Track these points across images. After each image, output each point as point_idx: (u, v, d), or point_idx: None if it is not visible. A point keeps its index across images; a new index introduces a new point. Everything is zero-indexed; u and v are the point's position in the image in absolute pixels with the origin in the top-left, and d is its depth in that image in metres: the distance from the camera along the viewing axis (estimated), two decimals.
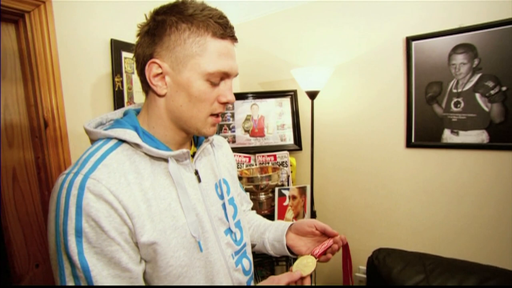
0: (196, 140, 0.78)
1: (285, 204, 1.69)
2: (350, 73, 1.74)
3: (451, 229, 1.51)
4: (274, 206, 1.67)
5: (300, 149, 1.91)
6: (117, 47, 1.41)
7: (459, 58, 1.41)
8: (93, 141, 0.64)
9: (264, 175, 1.68)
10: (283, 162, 1.84)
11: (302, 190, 1.78)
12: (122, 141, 0.61)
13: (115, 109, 1.41)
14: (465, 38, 1.39)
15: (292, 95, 1.94)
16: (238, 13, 2.04)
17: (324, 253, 0.76)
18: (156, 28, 0.61)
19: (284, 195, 1.69)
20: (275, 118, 1.94)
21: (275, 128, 1.94)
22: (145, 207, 0.57)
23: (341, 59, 1.76)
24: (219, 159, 0.81)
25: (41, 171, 1.24)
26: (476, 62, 1.38)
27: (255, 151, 1.87)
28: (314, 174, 1.79)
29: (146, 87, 0.65)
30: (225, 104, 0.66)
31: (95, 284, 0.51)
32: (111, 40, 1.39)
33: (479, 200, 1.43)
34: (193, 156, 0.73)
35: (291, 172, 1.85)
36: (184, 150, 0.65)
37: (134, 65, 0.68)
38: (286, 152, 1.85)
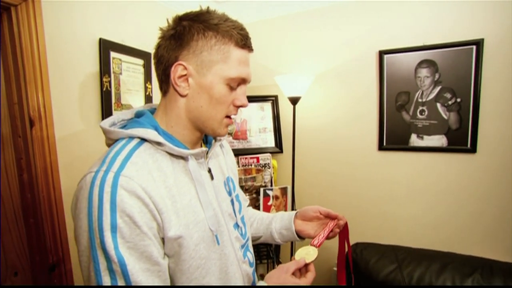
0: (205, 140, 0.82)
1: (269, 203, 1.76)
2: (329, 81, 1.88)
3: (419, 223, 1.70)
4: (258, 206, 1.74)
5: (281, 151, 2.00)
6: (105, 46, 1.38)
7: (424, 72, 1.61)
8: (111, 140, 0.66)
9: (248, 176, 1.74)
10: (266, 164, 1.92)
11: (284, 190, 1.87)
12: (143, 140, 0.63)
13: (102, 109, 1.38)
14: (428, 54, 1.59)
15: (273, 100, 2.03)
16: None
17: (325, 239, 0.85)
18: (183, 33, 0.64)
19: (268, 195, 1.76)
20: (257, 121, 2.02)
21: (257, 131, 2.02)
22: (170, 203, 0.60)
23: (321, 68, 1.89)
24: (226, 159, 0.87)
25: (23, 172, 1.17)
26: (437, 76, 1.58)
27: (238, 154, 1.92)
28: (295, 175, 1.89)
29: (166, 87, 0.68)
30: (238, 107, 0.70)
31: (131, 277, 0.53)
32: (100, 39, 1.36)
33: (441, 196, 1.64)
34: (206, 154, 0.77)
35: (273, 173, 1.94)
36: (203, 149, 0.69)
37: (154, 66, 0.70)
38: (268, 154, 1.92)
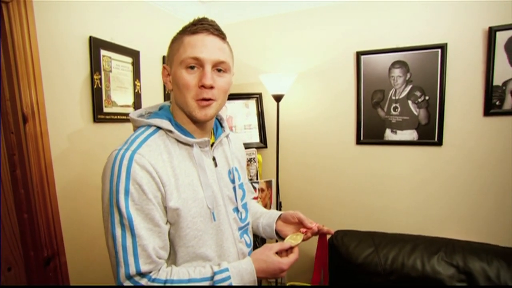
0: (215, 132, 0.91)
1: (255, 196, 1.85)
2: (310, 80, 1.99)
3: (393, 210, 1.86)
4: None
5: (266, 146, 2.09)
6: (96, 44, 1.40)
7: (396, 72, 1.75)
8: (135, 127, 0.81)
9: None
10: (252, 158, 2.01)
11: (269, 183, 1.97)
12: (159, 128, 0.77)
13: (93, 105, 1.41)
14: (401, 56, 1.74)
15: (257, 97, 2.11)
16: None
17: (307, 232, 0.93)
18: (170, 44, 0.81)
19: (254, 188, 1.85)
20: (242, 118, 2.10)
21: (243, 127, 2.09)
22: (174, 180, 0.72)
23: (303, 67, 2.00)
24: (233, 151, 0.95)
25: (16, 169, 1.18)
26: (408, 75, 1.73)
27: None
28: (279, 169, 1.99)
29: None
30: (204, 88, 0.73)
31: (136, 231, 0.66)
32: (90, 37, 1.38)
33: (412, 185, 1.80)
34: (211, 145, 0.86)
35: (258, 167, 2.03)
36: (206, 138, 0.80)
37: None
38: (254, 149, 2.01)
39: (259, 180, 1.93)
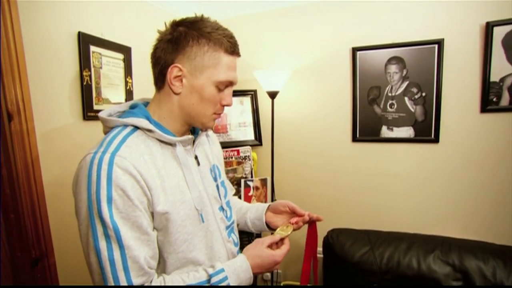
0: (193, 130, 0.89)
1: (250, 194, 1.83)
2: (305, 76, 1.96)
3: (389, 209, 1.84)
4: (239, 197, 1.80)
5: (261, 144, 2.07)
6: (85, 40, 1.37)
7: (393, 68, 1.73)
8: (108, 128, 0.74)
9: (229, 168, 1.80)
10: (246, 156, 1.98)
11: (264, 181, 1.94)
12: (136, 128, 0.72)
13: (83, 103, 1.38)
14: (397, 52, 1.71)
15: (252, 94, 2.08)
16: (199, 14, 2.10)
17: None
18: (179, 38, 0.72)
19: (249, 186, 1.83)
20: (237, 115, 2.07)
21: (237, 125, 2.07)
22: (160, 182, 0.68)
23: (298, 64, 1.97)
24: (212, 148, 0.94)
25: (2, 168, 1.15)
26: (405, 72, 1.71)
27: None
28: (274, 167, 1.97)
29: (161, 84, 0.76)
30: (224, 106, 0.79)
31: (124, 242, 0.61)
32: (79, 33, 1.35)
33: (408, 183, 1.78)
34: (192, 143, 0.84)
35: (253, 165, 2.00)
36: (190, 136, 0.78)
37: (151, 65, 0.78)
38: (248, 147, 1.98)
39: (253, 178, 1.91)
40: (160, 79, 0.75)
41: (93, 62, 1.42)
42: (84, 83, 1.38)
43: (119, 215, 0.61)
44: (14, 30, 1.12)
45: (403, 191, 1.79)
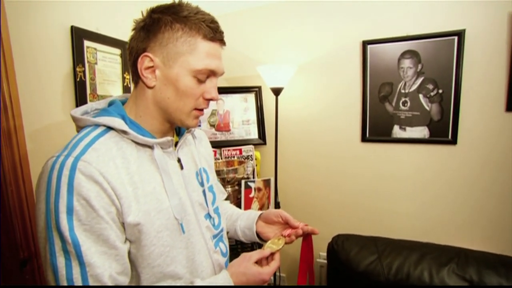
0: (178, 130, 0.81)
1: (251, 196, 1.74)
2: (311, 72, 1.85)
3: (399, 214, 1.71)
4: (240, 198, 1.72)
5: (265, 143, 1.98)
6: (78, 35, 1.32)
7: (407, 63, 1.59)
8: (80, 128, 0.67)
9: (230, 168, 1.72)
10: (249, 156, 1.90)
11: (267, 182, 1.85)
12: (109, 128, 0.64)
13: (76, 100, 1.34)
14: (411, 45, 1.57)
15: (256, 91, 2.00)
16: (204, 8, 2.03)
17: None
18: (152, 25, 0.65)
19: (250, 187, 1.75)
20: (240, 113, 1.99)
21: (240, 123, 1.99)
22: (131, 189, 0.61)
23: (304, 59, 1.86)
24: (199, 149, 0.86)
25: None
26: (419, 67, 1.57)
27: (221, 145, 1.89)
28: (278, 167, 1.88)
29: (136, 78, 0.69)
30: (209, 100, 0.70)
31: (84, 258, 0.54)
32: (72, 27, 1.30)
33: (422, 187, 1.64)
34: (175, 145, 0.76)
35: (256, 165, 1.92)
36: (169, 138, 0.69)
37: (128, 57, 0.70)
38: (251, 146, 1.90)
39: (255, 178, 1.83)
40: (134, 73, 0.68)
41: (87, 57, 1.38)
42: (78, 79, 1.33)
43: (82, 228, 0.54)
44: (1, 25, 1.09)
45: (415, 195, 1.66)
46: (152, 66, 0.65)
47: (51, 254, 0.54)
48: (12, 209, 1.14)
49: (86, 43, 1.37)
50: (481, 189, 1.51)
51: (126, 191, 0.59)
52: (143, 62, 0.65)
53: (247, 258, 0.71)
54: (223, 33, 0.69)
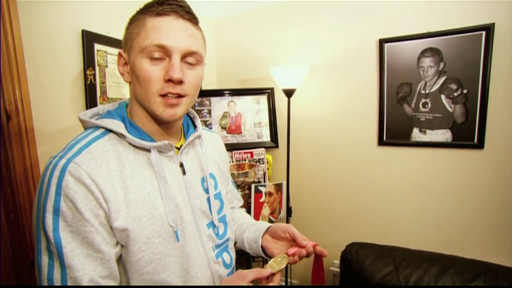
0: (186, 133, 0.78)
1: (261, 200, 1.70)
2: (325, 72, 1.78)
3: (419, 223, 1.60)
4: (250, 203, 1.68)
5: (277, 146, 1.93)
6: (89, 38, 1.34)
7: (427, 61, 1.49)
8: (85, 129, 0.68)
9: (240, 172, 1.68)
10: (260, 159, 1.86)
11: (278, 186, 1.80)
12: (109, 130, 0.64)
13: (86, 103, 1.35)
14: (432, 42, 1.47)
15: (269, 92, 1.95)
16: (215, 10, 2.02)
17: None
18: (127, 25, 0.67)
19: (260, 191, 1.70)
20: (252, 115, 1.95)
21: (252, 125, 1.95)
22: (123, 193, 0.59)
23: (317, 59, 1.80)
24: (208, 154, 0.81)
25: (2, 167, 1.15)
26: (441, 65, 1.46)
27: (232, 148, 1.86)
28: (290, 171, 1.82)
29: None
30: (171, 83, 0.61)
31: (65, 260, 0.54)
32: (83, 31, 1.32)
33: (443, 194, 1.53)
34: (180, 148, 0.73)
35: (268, 169, 1.87)
36: (166, 142, 0.66)
37: None
38: (262, 149, 1.86)
39: (266, 183, 1.78)
40: None
41: (98, 60, 1.39)
42: (88, 82, 1.35)
43: (68, 229, 0.55)
44: (13, 29, 1.11)
45: (437, 204, 1.54)
46: (125, 63, 0.66)
47: (37, 252, 0.56)
48: (23, 211, 1.17)
49: (97, 46, 1.39)
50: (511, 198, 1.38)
51: (116, 195, 0.58)
52: (119, 60, 0.67)
53: (242, 277, 0.66)
54: (177, 3, 0.62)
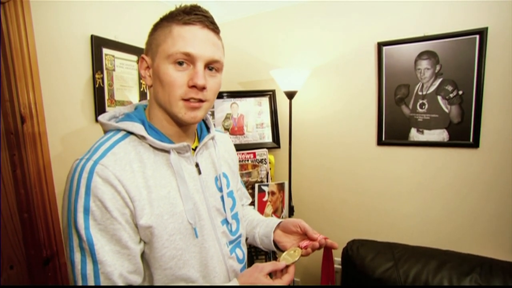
0: (200, 135, 0.82)
1: (264, 199, 1.75)
2: (326, 75, 1.84)
3: (417, 220, 1.65)
4: (254, 202, 1.73)
5: (279, 147, 1.98)
6: (97, 43, 1.38)
7: (424, 64, 1.54)
8: (105, 132, 0.71)
9: (244, 172, 1.73)
10: (262, 159, 1.90)
11: (281, 186, 1.85)
12: (130, 133, 0.67)
13: (95, 105, 1.40)
14: (429, 45, 1.52)
15: (270, 94, 2.00)
16: (218, 13, 2.07)
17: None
18: (150, 31, 0.70)
19: (263, 191, 1.75)
20: (254, 116, 2.00)
21: (254, 126, 1.99)
22: (146, 193, 0.63)
23: (318, 62, 1.85)
24: (221, 154, 0.85)
25: (17, 168, 1.19)
26: (438, 67, 1.52)
27: (235, 149, 1.90)
28: (292, 171, 1.87)
29: None
30: (195, 88, 0.65)
31: (97, 256, 0.57)
32: (92, 36, 1.36)
33: (441, 192, 1.58)
34: (195, 149, 0.76)
35: (270, 169, 1.92)
36: (185, 143, 0.70)
37: None
38: (265, 150, 1.90)
39: (269, 182, 1.83)
40: None
41: (106, 64, 1.44)
42: (96, 86, 1.39)
43: (97, 227, 0.58)
44: (28, 35, 1.16)
45: (435, 201, 1.60)
46: (148, 66, 0.68)
47: (70, 250, 0.58)
48: (36, 210, 1.21)
49: (105, 50, 1.43)
50: (506, 195, 1.43)
51: (141, 194, 0.61)
52: (141, 63, 0.70)
53: (259, 269, 0.70)
54: (202, 13, 0.66)
